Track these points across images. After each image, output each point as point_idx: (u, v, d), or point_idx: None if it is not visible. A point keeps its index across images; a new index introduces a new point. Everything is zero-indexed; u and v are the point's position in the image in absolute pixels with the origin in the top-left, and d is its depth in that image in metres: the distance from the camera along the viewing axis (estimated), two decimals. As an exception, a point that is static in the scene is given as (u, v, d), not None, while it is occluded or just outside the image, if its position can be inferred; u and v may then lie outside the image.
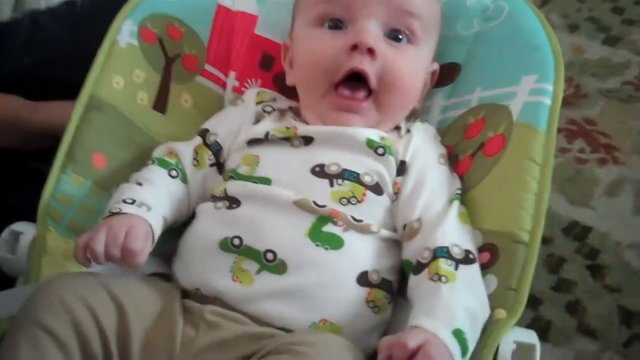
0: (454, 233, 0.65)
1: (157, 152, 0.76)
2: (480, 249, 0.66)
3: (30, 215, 0.72)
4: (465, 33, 0.81)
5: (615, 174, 1.15)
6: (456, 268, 0.63)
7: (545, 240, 1.04)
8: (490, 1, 0.81)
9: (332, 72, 0.72)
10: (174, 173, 0.74)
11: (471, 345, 0.58)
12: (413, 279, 0.65)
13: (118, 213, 0.66)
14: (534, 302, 0.98)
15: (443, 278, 0.62)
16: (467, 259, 0.64)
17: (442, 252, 0.64)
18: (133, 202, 0.67)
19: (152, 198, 0.69)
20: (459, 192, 0.70)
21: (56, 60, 0.94)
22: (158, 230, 0.67)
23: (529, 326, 0.93)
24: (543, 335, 0.96)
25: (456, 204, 0.68)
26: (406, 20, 0.74)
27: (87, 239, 0.63)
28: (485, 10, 0.81)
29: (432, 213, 0.67)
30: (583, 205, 1.11)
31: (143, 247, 0.64)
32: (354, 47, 0.71)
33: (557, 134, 1.17)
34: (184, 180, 0.74)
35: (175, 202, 0.72)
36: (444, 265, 0.63)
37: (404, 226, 0.68)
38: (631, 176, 1.14)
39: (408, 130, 0.74)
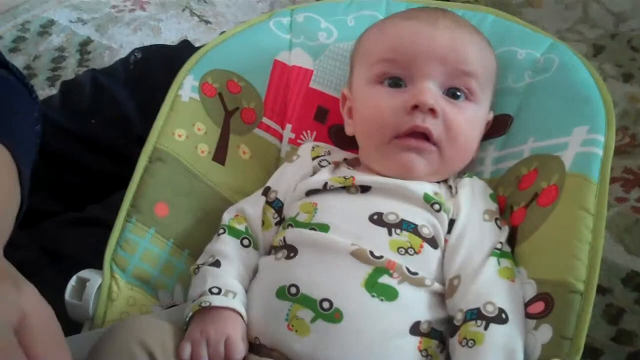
0: (489, 290, 0.66)
1: (227, 218, 0.78)
2: (535, 299, 0.66)
3: (76, 259, 0.75)
4: (517, 85, 0.83)
5: (673, 223, 1.13)
6: (486, 327, 0.64)
7: (604, 291, 1.04)
8: (540, 54, 0.83)
9: (394, 128, 0.75)
10: (246, 242, 0.76)
11: None
12: (450, 342, 0.66)
13: (208, 307, 0.68)
14: (593, 353, 0.96)
15: (470, 342, 0.63)
16: (499, 318, 0.64)
17: (472, 315, 0.65)
18: (219, 291, 0.69)
19: (234, 279, 0.71)
20: (499, 246, 0.70)
21: (116, 120, 0.99)
22: (245, 311, 0.69)
23: (588, 378, 0.92)
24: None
25: (493, 259, 0.69)
26: (463, 80, 0.76)
27: (188, 355, 0.65)
28: (536, 63, 0.82)
29: (469, 270, 0.68)
30: (643, 255, 1.10)
31: (242, 352, 0.66)
32: (415, 107, 0.73)
33: (614, 183, 1.18)
34: (256, 247, 0.77)
35: (251, 271, 0.74)
36: (472, 328, 0.64)
37: (446, 283, 0.69)
38: (688, 226, 1.13)
39: (456, 188, 0.76)
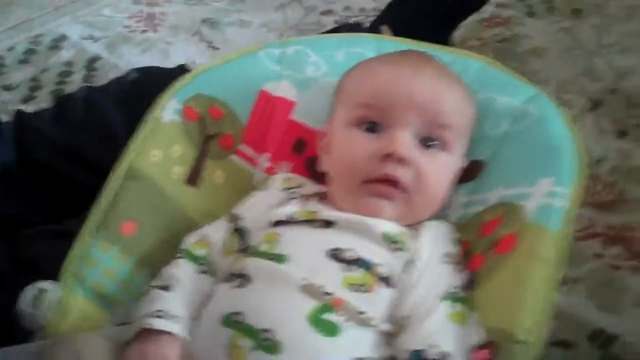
0: (437, 333, 0.67)
1: (188, 242, 0.80)
2: (481, 346, 0.66)
3: (45, 269, 0.76)
4: (493, 132, 0.83)
5: (648, 283, 1.12)
6: None
7: (570, 346, 1.03)
8: (520, 103, 0.84)
9: (366, 174, 0.76)
10: (202, 269, 0.77)
11: None
12: None
13: (149, 329, 0.69)
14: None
15: None
16: None
17: (415, 357, 0.65)
18: (163, 315, 0.70)
19: (180, 304, 0.72)
20: (455, 290, 0.71)
21: (105, 138, 1.01)
22: (186, 333, 0.70)
23: None
24: None
25: (446, 303, 0.69)
26: (439, 131, 0.77)
27: None
28: (514, 112, 0.83)
29: (421, 311, 0.69)
30: (612, 312, 1.09)
31: None
32: (388, 155, 0.75)
33: (594, 239, 1.17)
34: (213, 273, 0.78)
35: (203, 297, 0.75)
36: None
37: (397, 322, 0.70)
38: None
39: (420, 230, 0.77)
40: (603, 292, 1.11)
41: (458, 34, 1.63)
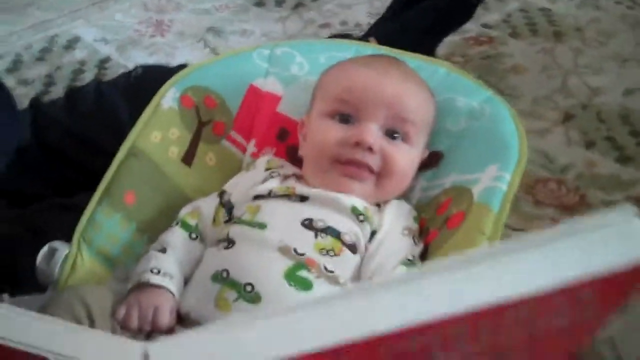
0: None
1: (183, 212, 0.91)
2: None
3: (54, 235, 0.87)
4: (453, 128, 0.95)
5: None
6: None
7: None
8: (477, 103, 0.95)
9: (336, 154, 0.87)
10: (193, 236, 0.88)
11: None
12: None
13: (146, 283, 0.80)
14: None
15: None
16: None
17: None
18: (159, 272, 0.81)
19: (174, 265, 0.83)
20: (410, 258, 0.82)
21: (112, 125, 1.13)
22: (179, 293, 0.81)
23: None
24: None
25: (403, 267, 0.80)
26: (402, 125, 0.88)
27: (123, 316, 0.77)
28: (471, 111, 0.95)
29: (381, 274, 0.80)
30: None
31: (169, 322, 0.78)
32: (357, 144, 0.86)
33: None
34: (203, 240, 0.89)
35: (194, 261, 0.86)
36: None
37: None
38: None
39: (384, 206, 0.88)
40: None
41: (444, 51, 1.75)
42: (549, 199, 1.36)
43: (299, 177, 0.92)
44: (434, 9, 1.49)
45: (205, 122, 0.98)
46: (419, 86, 0.92)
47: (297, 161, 0.95)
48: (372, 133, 0.86)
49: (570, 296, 0.38)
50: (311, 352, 0.34)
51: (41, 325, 0.38)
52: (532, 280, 0.37)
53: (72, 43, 1.82)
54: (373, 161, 0.86)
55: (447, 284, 0.36)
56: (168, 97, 0.96)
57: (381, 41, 1.37)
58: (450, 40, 1.79)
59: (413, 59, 1.02)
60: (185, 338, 0.36)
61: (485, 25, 1.89)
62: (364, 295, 0.36)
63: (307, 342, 0.34)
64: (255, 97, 1.01)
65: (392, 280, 0.35)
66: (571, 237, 0.38)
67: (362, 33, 1.73)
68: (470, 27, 1.84)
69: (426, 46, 1.47)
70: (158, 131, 0.94)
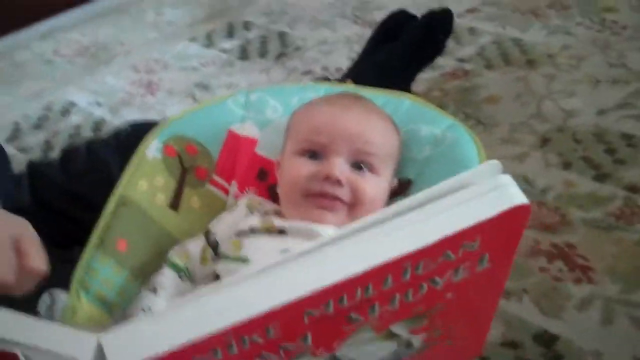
0: None
1: (172, 253, 0.97)
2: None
3: (54, 286, 0.93)
4: (418, 156, 1.01)
5: (587, 291, 1.27)
6: None
7: (517, 346, 1.18)
8: (440, 131, 1.02)
9: (306, 188, 0.93)
10: (183, 276, 0.94)
11: None
12: None
13: None
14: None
15: None
16: None
17: None
18: (150, 310, 0.87)
19: (165, 304, 0.89)
20: None
21: (105, 180, 1.19)
22: None
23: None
24: None
25: None
26: (366, 157, 0.94)
27: None
28: (435, 138, 1.01)
29: None
30: (554, 317, 1.24)
31: None
32: (327, 178, 0.92)
33: (540, 256, 1.32)
34: (192, 279, 0.94)
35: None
36: None
37: None
38: (601, 293, 1.27)
39: None
40: (547, 300, 1.27)
41: (423, 86, 1.83)
42: (530, 220, 1.41)
43: (277, 213, 0.98)
44: (405, 48, 1.56)
45: (188, 168, 1.04)
46: (380, 119, 0.99)
47: (277, 199, 1.01)
48: (339, 167, 0.92)
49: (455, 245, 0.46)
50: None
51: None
52: (420, 238, 0.44)
53: (67, 108, 1.91)
54: (342, 193, 0.92)
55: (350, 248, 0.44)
56: (152, 148, 1.03)
57: (357, 81, 1.44)
58: (429, 77, 1.88)
59: (380, 95, 1.08)
60: (136, 325, 0.42)
61: (460, 60, 1.97)
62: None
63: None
64: (234, 142, 1.07)
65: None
66: (447, 196, 0.46)
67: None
68: (447, 63, 1.93)
69: (401, 83, 1.55)
70: (144, 180, 1.01)
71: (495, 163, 0.50)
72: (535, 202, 1.45)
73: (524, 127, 1.69)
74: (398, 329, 0.51)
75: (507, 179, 0.51)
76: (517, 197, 0.49)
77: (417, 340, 0.53)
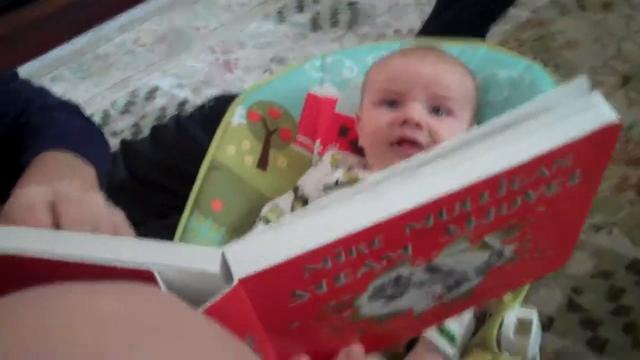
0: None
1: (264, 210, 1.01)
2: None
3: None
4: (496, 99, 1.02)
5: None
6: None
7: (609, 275, 1.19)
8: (517, 73, 1.02)
9: (389, 136, 0.96)
10: None
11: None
12: None
13: None
14: (593, 324, 1.12)
15: None
16: None
17: None
18: None
19: None
20: None
21: (193, 151, 1.25)
22: None
23: (587, 344, 1.09)
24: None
25: None
26: (442, 101, 0.97)
27: None
28: (512, 81, 1.02)
29: None
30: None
31: None
32: (405, 122, 0.95)
33: (629, 190, 1.32)
34: None
35: None
36: None
37: None
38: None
39: None
40: (638, 231, 1.27)
41: (498, 39, 1.82)
42: (617, 156, 1.40)
43: (362, 166, 1.01)
44: (477, 2, 1.56)
45: (272, 130, 1.09)
46: (453, 64, 1.01)
47: (360, 153, 1.05)
48: (416, 110, 0.95)
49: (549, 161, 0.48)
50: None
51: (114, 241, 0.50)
52: (516, 155, 0.47)
53: (152, 92, 1.99)
54: (421, 136, 0.94)
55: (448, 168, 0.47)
56: (236, 115, 1.08)
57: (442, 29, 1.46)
58: (503, 29, 1.86)
59: (454, 46, 1.10)
60: (258, 237, 0.47)
61: (534, 11, 1.94)
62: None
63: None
64: (314, 103, 1.11)
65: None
66: (540, 115, 0.48)
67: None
68: (520, 13, 1.91)
69: (474, 36, 1.55)
70: (232, 145, 1.06)
71: (584, 81, 0.52)
72: (622, 139, 1.44)
73: (605, 69, 1.67)
74: (491, 239, 0.54)
75: (599, 98, 0.52)
76: (609, 115, 0.50)
77: (509, 250, 0.56)
